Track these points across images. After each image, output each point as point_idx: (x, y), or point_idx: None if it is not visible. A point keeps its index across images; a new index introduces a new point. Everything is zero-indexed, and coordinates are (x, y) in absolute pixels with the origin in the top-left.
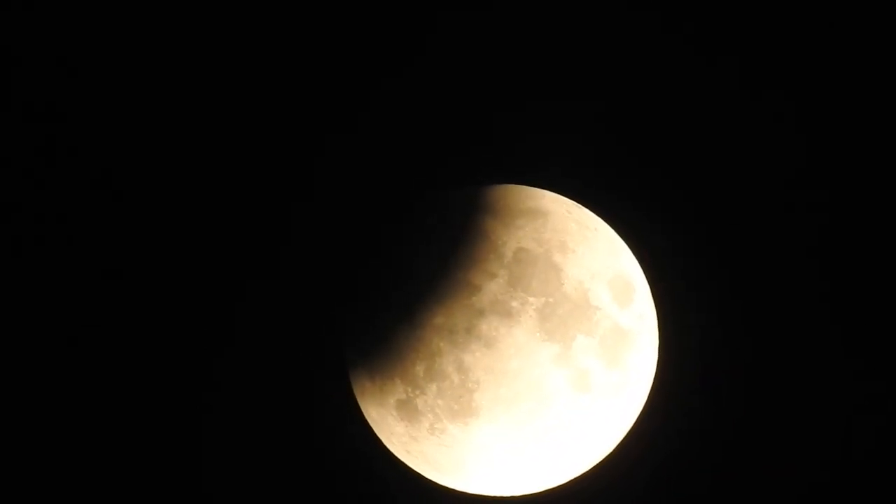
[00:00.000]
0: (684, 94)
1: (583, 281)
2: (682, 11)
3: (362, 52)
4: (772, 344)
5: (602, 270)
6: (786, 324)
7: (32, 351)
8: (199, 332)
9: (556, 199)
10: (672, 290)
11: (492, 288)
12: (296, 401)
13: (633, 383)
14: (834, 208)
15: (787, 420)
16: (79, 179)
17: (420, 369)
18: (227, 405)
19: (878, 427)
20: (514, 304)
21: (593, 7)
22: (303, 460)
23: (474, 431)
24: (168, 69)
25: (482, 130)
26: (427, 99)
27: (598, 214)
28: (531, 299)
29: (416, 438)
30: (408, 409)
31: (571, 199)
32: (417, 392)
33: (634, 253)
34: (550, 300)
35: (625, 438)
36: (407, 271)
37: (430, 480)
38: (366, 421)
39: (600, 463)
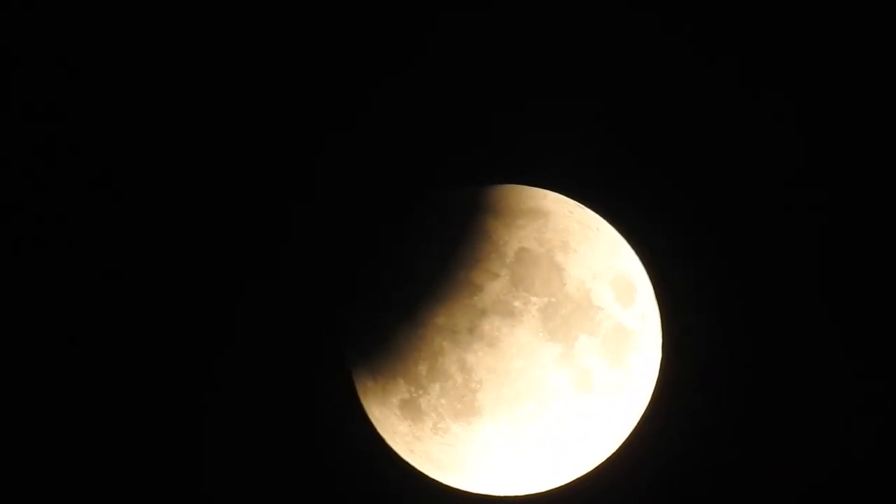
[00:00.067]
0: (685, 93)
1: (585, 281)
2: (682, 11)
3: (362, 53)
4: (773, 343)
5: (604, 270)
6: (787, 324)
7: (33, 351)
8: (200, 332)
9: (557, 198)
10: (674, 289)
11: (494, 288)
12: (299, 400)
13: (636, 383)
14: (835, 208)
15: (788, 420)
16: (79, 179)
17: (423, 369)
18: (227, 405)
19: (879, 427)
20: (517, 303)
21: (594, 7)
22: (306, 460)
23: (477, 431)
24: (168, 70)
25: (483, 130)
26: (427, 99)
27: (600, 214)
28: (533, 299)
29: (419, 438)
30: (411, 409)
31: (573, 198)
32: (420, 392)
33: (636, 252)
34: (553, 300)
35: (627, 438)
36: (409, 271)
37: (433, 479)
38: (369, 420)
39: (603, 463)
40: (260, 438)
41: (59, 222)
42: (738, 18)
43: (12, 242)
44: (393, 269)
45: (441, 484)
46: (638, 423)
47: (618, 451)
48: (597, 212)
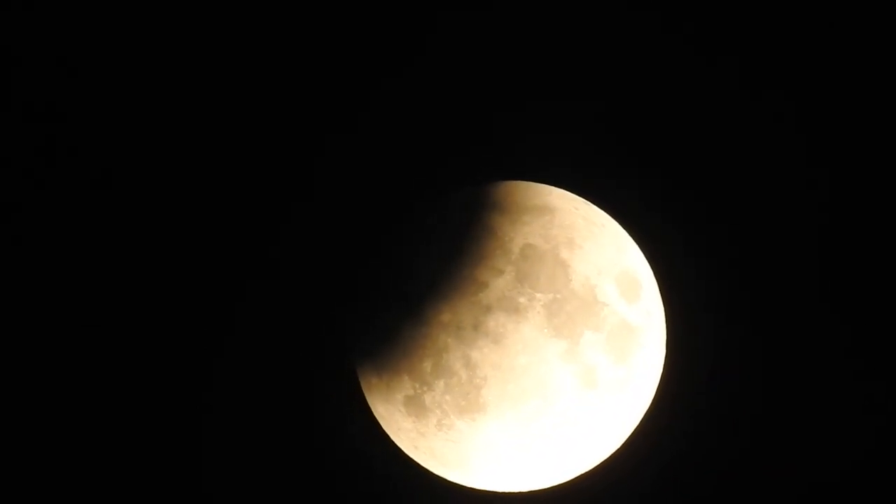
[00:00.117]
0: (691, 91)
1: (590, 277)
2: (682, 11)
3: (362, 52)
4: (778, 341)
5: (609, 266)
6: (793, 321)
7: (32, 351)
8: (201, 332)
9: (562, 195)
10: (679, 286)
11: (499, 284)
12: (303, 398)
13: (640, 379)
14: (838, 207)
15: (792, 418)
16: (79, 179)
17: (427, 365)
18: (229, 404)
19: (881, 427)
20: (522, 300)
21: (596, 6)
22: (311, 457)
23: (481, 427)
24: (168, 69)
25: (488, 128)
26: (430, 98)
27: (605, 211)
28: (538, 295)
29: (423, 434)
30: (415, 405)
31: (578, 195)
32: (425, 388)
33: (641, 249)
34: (558, 296)
35: (631, 435)
36: (414, 268)
37: (437, 476)
38: (374, 417)
39: (607, 460)
40: (263, 437)
41: (58, 222)
42: (739, 18)
43: (11, 242)
44: (398, 267)
45: (445, 480)
46: (642, 420)
47: (622, 447)
48: (602, 208)
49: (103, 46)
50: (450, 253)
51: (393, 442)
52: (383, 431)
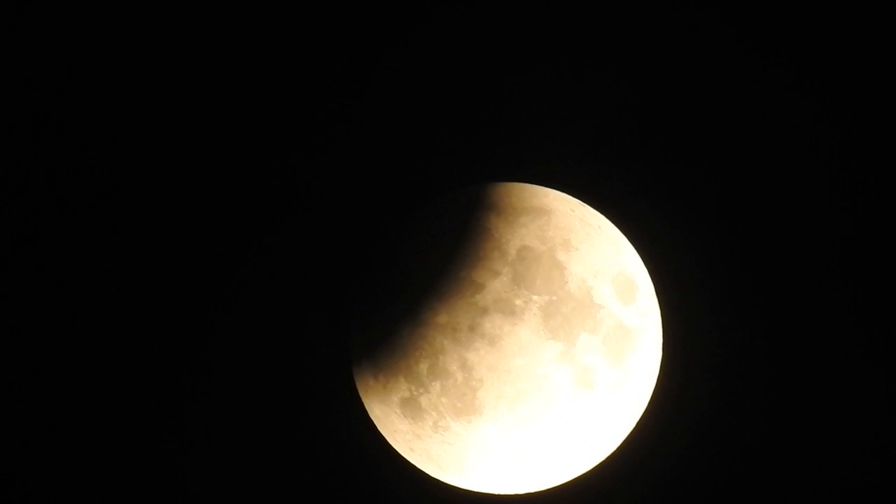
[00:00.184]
0: (687, 92)
1: (586, 279)
2: (679, 11)
3: (363, 52)
4: (775, 342)
5: (605, 268)
6: (789, 321)
7: (31, 350)
8: (197, 333)
9: (559, 197)
10: (675, 288)
11: (495, 286)
12: (299, 400)
13: (637, 381)
14: (837, 206)
15: (790, 418)
16: (77, 179)
17: (424, 367)
18: (226, 404)
19: (881, 426)
20: (518, 301)
21: (595, 6)
22: (306, 458)
23: (478, 429)
24: (169, 69)
25: (484, 129)
26: (427, 99)
27: (602, 213)
28: (535, 297)
29: (419, 436)
30: (412, 407)
31: (575, 196)
32: (421, 390)
33: (638, 251)
34: (554, 298)
35: (628, 437)
36: (410, 269)
37: (433, 478)
38: (370, 419)
39: (603, 462)
40: (259, 438)
41: (56, 222)
42: (737, 18)
43: (10, 242)
44: (394, 268)
45: (441, 483)
46: (638, 422)
47: (618, 449)
48: (599, 210)
49: (97, 47)
50: (446, 254)
51: (389, 444)
52: (379, 433)
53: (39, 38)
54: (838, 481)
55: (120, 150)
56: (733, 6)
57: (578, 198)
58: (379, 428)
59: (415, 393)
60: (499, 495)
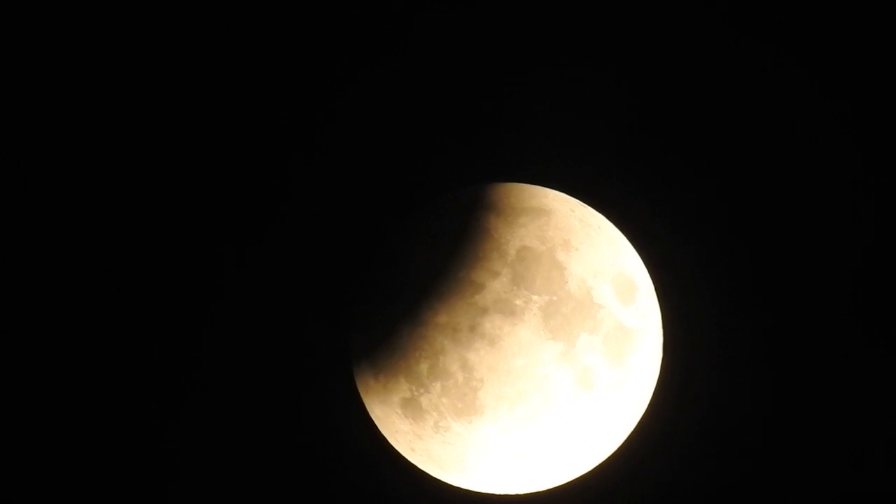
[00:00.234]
0: (686, 92)
1: (586, 279)
2: (678, 11)
3: (362, 52)
4: (774, 342)
5: (605, 268)
6: (789, 321)
7: (31, 350)
8: (197, 334)
9: (559, 197)
10: (675, 288)
11: (495, 286)
12: (300, 400)
13: (637, 381)
14: (836, 206)
15: (789, 418)
16: (77, 179)
17: (424, 367)
18: (226, 406)
19: (881, 426)
20: (518, 302)
21: (594, 5)
22: (307, 459)
23: (478, 429)
24: (170, 70)
25: (484, 130)
26: (427, 99)
27: (602, 213)
28: (535, 297)
29: (420, 436)
30: (412, 408)
31: (574, 197)
32: (422, 390)
33: (638, 251)
34: (554, 298)
35: (628, 437)
36: (410, 270)
37: (434, 478)
38: (370, 419)
39: (603, 462)
40: (260, 438)
41: (59, 223)
42: (736, 18)
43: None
44: (394, 268)
45: (442, 483)
46: (638, 422)
47: (618, 450)
48: (598, 210)
49: (93, 46)
50: (446, 255)
51: (390, 444)
52: (380, 434)
53: (39, 38)
54: (838, 481)
55: (120, 151)
56: (733, 6)
57: (578, 198)
58: (380, 428)
59: (415, 393)
60: (499, 495)
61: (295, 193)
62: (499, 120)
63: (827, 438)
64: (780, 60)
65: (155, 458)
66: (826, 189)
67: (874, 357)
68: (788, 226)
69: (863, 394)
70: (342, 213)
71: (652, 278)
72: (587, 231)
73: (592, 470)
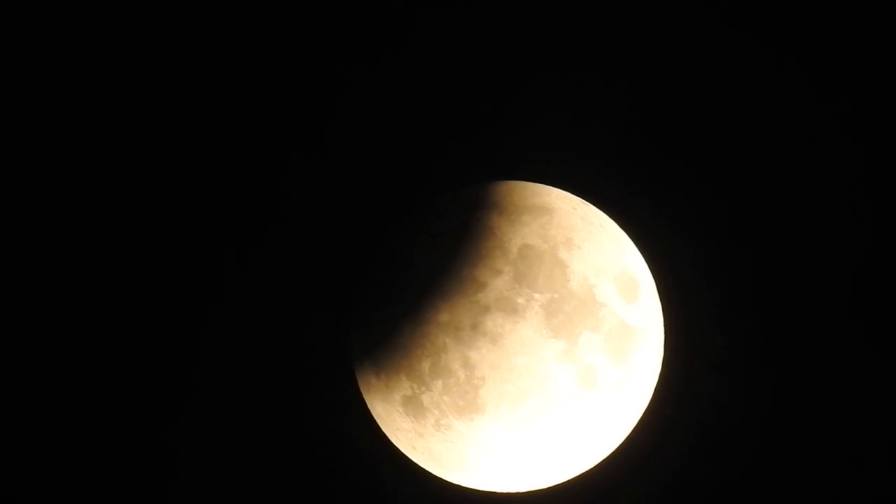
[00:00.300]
0: (688, 91)
1: (588, 277)
2: (679, 10)
3: (362, 52)
4: (776, 341)
5: (608, 267)
6: (790, 320)
7: (31, 350)
8: (198, 333)
9: (561, 195)
10: (677, 286)
11: (497, 284)
12: (302, 398)
13: (639, 379)
14: (836, 207)
15: (791, 417)
16: (78, 179)
17: (426, 366)
18: (228, 405)
19: (881, 426)
20: (520, 300)
21: (595, 5)
22: (309, 457)
23: (480, 428)
24: (170, 70)
25: (487, 128)
26: (429, 98)
27: (604, 211)
28: (537, 296)
29: (421, 434)
30: (414, 406)
31: (577, 195)
32: (423, 388)
33: (640, 249)
34: (556, 296)
35: (630, 435)
36: (412, 268)
37: (435, 476)
38: (372, 417)
39: (605, 460)
40: (261, 437)
41: (60, 223)
42: (736, 18)
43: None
44: (396, 267)
45: (443, 481)
46: (640, 420)
47: (620, 448)
48: (601, 209)
49: (93, 46)
50: (448, 253)
51: (391, 442)
52: (382, 432)
53: (39, 38)
54: (838, 481)
55: (120, 151)
56: (733, 6)
57: (580, 196)
58: (381, 426)
59: (417, 391)
60: (501, 493)
61: (295, 193)
62: (499, 120)
63: (827, 438)
64: (780, 60)
65: (155, 458)
66: (826, 189)
67: (874, 357)
68: (788, 226)
69: (863, 394)
70: (342, 213)
71: (654, 276)
72: (589, 229)
73: (593, 468)
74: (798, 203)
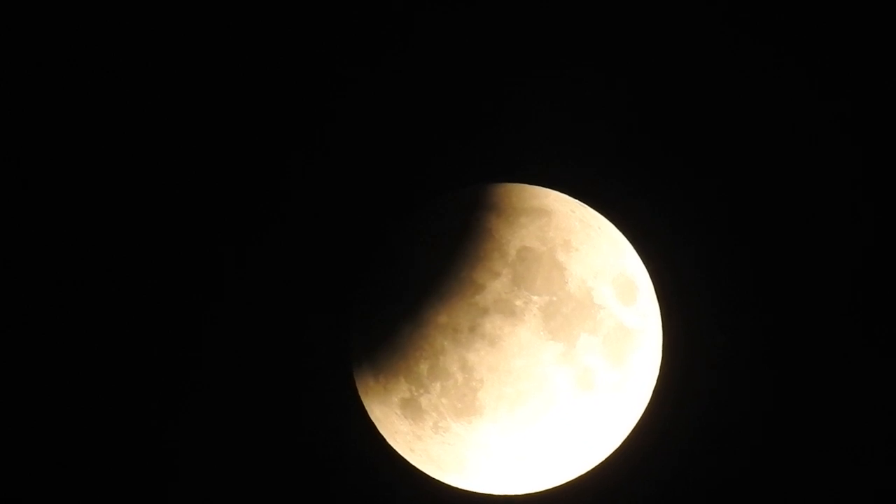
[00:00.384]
0: (686, 93)
1: (586, 279)
2: (678, 11)
3: (362, 52)
4: (775, 343)
5: (606, 269)
6: (789, 321)
7: (31, 350)
8: (196, 334)
9: (559, 197)
10: (675, 288)
11: (496, 287)
12: (300, 400)
13: (637, 382)
14: (835, 207)
15: (791, 418)
16: (78, 180)
17: (424, 368)
18: (226, 406)
19: (881, 425)
20: (518, 302)
21: (596, 5)
22: (307, 459)
23: (478, 430)
24: (170, 70)
25: (485, 130)
26: (429, 97)
27: (602, 213)
28: (535, 298)
29: (419, 437)
30: (412, 408)
31: (575, 197)
32: (421, 391)
33: (638, 252)
34: (554, 299)
35: (628, 437)
36: (411, 270)
37: (433, 479)
38: (370, 419)
39: (603, 462)
40: (261, 436)
41: (61, 223)
42: (736, 18)
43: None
44: (394, 269)
45: (441, 483)
46: (638, 423)
47: (618, 450)
48: (599, 211)
49: (92, 46)
50: (446, 255)
51: (389, 445)
52: (379, 434)
53: (39, 38)
54: (838, 480)
55: (120, 151)
56: (733, 6)
57: (578, 198)
58: (379, 428)
59: (415, 393)
60: (499, 496)
61: (295, 193)
62: (499, 120)
63: (827, 438)
64: (780, 60)
65: (155, 458)
66: (826, 189)
67: (874, 357)
68: (788, 226)
69: (863, 393)
70: (342, 213)
71: (652, 279)
72: (588, 232)
73: (592, 470)
74: (798, 203)
